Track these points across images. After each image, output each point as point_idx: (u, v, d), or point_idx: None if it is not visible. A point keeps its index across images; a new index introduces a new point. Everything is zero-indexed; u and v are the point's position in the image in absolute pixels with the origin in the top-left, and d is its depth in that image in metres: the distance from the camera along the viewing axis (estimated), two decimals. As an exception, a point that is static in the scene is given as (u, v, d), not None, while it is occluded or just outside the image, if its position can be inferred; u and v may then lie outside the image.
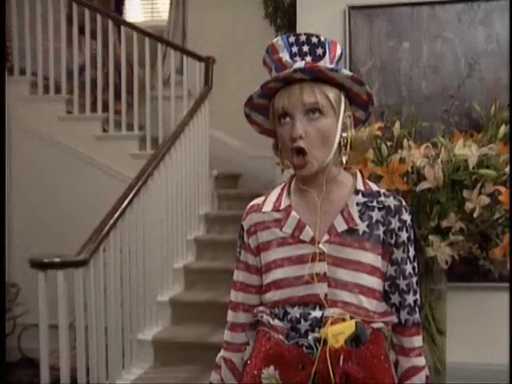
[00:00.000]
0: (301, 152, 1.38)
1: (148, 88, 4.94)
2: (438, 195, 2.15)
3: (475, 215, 2.12)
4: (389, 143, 2.27)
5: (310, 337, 1.38)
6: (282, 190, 1.52)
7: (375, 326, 1.42)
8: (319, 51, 1.42)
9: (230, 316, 1.56)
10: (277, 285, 1.44)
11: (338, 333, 1.36)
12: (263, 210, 1.50)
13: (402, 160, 2.19)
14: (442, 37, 2.74)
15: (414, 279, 1.47)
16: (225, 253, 4.35)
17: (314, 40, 1.42)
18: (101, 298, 3.30)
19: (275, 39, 1.45)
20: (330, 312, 1.38)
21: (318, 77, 1.39)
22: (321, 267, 1.40)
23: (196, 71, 4.99)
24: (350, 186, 1.45)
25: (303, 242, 1.42)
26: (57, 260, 3.08)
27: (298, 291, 1.41)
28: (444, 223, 2.16)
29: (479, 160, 2.16)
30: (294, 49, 1.42)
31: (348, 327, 1.37)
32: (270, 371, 1.42)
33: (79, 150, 5.03)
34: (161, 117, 4.88)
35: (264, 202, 1.52)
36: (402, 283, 1.45)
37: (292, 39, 1.43)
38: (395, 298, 1.46)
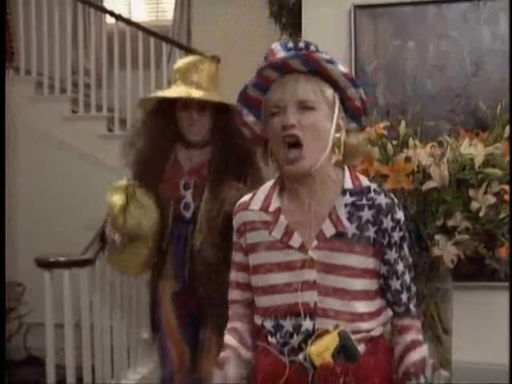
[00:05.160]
0: (294, 145, 1.36)
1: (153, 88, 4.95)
2: (443, 194, 2.15)
3: (481, 214, 2.12)
4: (394, 142, 2.26)
5: (301, 355, 1.36)
6: (272, 188, 1.48)
7: (374, 333, 1.40)
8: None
9: (230, 309, 1.56)
10: (266, 290, 1.42)
11: (323, 350, 1.33)
12: (250, 208, 1.47)
13: (407, 159, 2.19)
14: (447, 36, 2.74)
15: (407, 276, 1.45)
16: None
17: (312, 47, 1.41)
18: (106, 296, 3.31)
19: (273, 44, 1.44)
20: (322, 323, 1.36)
21: (313, 69, 1.38)
22: (310, 275, 1.37)
23: (201, 71, 4.98)
24: (338, 184, 1.42)
25: (292, 248, 1.40)
26: (62, 259, 3.08)
27: (287, 299, 1.39)
28: (450, 222, 2.15)
29: (485, 159, 2.16)
30: (292, 53, 1.41)
31: (331, 341, 1.34)
32: None
33: (84, 149, 5.03)
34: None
35: (251, 199, 1.49)
36: (396, 283, 1.43)
37: (290, 44, 1.42)
38: (390, 296, 1.45)
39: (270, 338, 1.42)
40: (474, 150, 2.15)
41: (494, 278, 2.56)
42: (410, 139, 2.26)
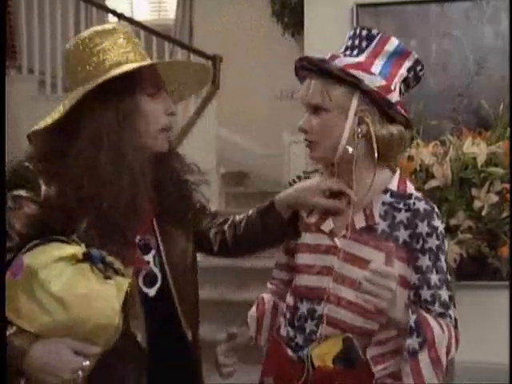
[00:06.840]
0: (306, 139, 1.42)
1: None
2: (446, 193, 2.15)
3: (483, 213, 2.12)
4: (397, 141, 2.26)
5: (305, 351, 1.37)
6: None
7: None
8: (363, 44, 1.40)
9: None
10: (296, 269, 1.46)
11: (324, 353, 1.34)
12: None
13: (410, 158, 2.19)
14: (449, 35, 2.73)
15: (444, 292, 1.33)
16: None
17: (364, 33, 1.40)
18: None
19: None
20: (332, 310, 1.36)
21: (321, 69, 1.38)
22: (330, 260, 1.38)
23: (203, 70, 4.99)
24: (382, 184, 1.40)
25: (323, 232, 1.42)
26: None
27: (308, 280, 1.41)
28: (452, 221, 2.15)
29: (488, 158, 2.16)
30: (349, 42, 1.42)
31: (334, 346, 1.33)
32: (269, 381, 1.44)
33: (87, 148, 5.03)
34: (168, 115, 4.88)
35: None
36: (426, 293, 1.33)
37: (351, 33, 1.43)
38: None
39: (281, 329, 1.45)
40: (476, 148, 2.15)
41: (496, 278, 2.56)
42: (413, 138, 2.27)
